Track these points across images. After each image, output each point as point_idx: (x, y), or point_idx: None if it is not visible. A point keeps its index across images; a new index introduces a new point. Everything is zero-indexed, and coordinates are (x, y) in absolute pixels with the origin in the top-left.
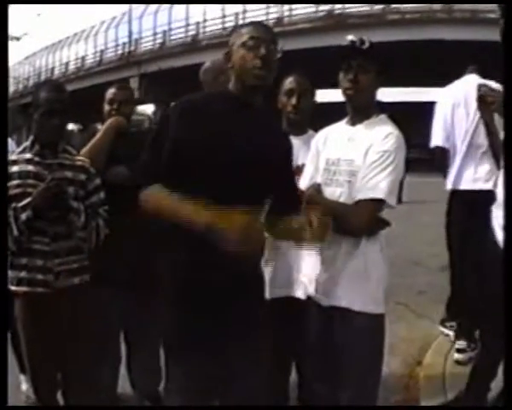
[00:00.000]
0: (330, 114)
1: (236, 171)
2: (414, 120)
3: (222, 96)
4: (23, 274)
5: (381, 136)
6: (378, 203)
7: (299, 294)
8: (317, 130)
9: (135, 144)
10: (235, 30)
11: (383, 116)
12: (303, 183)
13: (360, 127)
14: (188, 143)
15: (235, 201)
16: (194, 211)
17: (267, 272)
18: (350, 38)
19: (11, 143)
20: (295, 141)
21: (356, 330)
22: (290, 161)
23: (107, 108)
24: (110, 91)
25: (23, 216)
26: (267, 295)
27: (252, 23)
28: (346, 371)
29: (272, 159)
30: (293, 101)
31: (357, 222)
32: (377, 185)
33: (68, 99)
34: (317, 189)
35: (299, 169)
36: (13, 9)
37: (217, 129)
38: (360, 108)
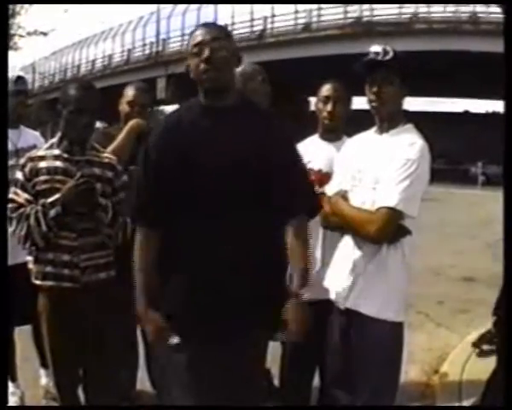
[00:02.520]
0: (359, 120)
1: (220, 179)
2: (440, 131)
3: (192, 107)
4: (49, 269)
5: (405, 145)
6: (397, 212)
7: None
8: (350, 136)
9: None
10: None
11: (409, 125)
12: (330, 189)
13: (386, 136)
14: (167, 166)
15: (225, 208)
16: (140, 310)
17: None
18: (374, 49)
19: (38, 136)
20: (330, 147)
21: (372, 336)
22: (287, 154)
23: (126, 109)
24: (130, 93)
25: (52, 212)
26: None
27: (195, 28)
28: (361, 376)
29: (259, 156)
30: (329, 107)
31: (375, 229)
32: (396, 194)
33: (97, 98)
34: (343, 195)
35: None
36: (41, 5)
37: (190, 142)
38: (386, 118)
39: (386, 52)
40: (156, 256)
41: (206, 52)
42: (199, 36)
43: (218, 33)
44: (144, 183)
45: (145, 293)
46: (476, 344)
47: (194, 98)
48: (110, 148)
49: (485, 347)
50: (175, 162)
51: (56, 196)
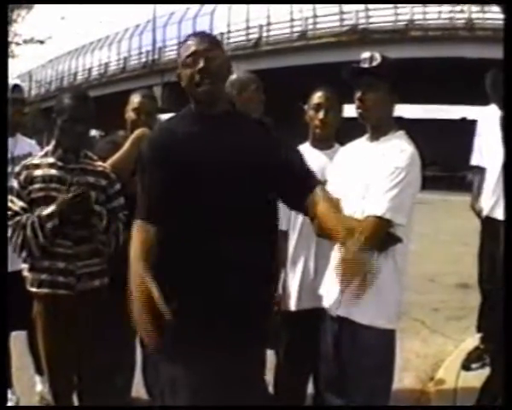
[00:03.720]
0: (353, 129)
1: (218, 183)
2: (437, 138)
3: (185, 115)
4: (44, 276)
5: (394, 152)
6: (384, 221)
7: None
8: (342, 144)
9: None
10: (178, 51)
11: (400, 133)
12: None
13: (376, 143)
14: (165, 172)
15: (225, 215)
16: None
17: (293, 285)
18: (363, 56)
19: (34, 144)
20: (322, 155)
21: (364, 343)
22: (279, 155)
23: (132, 116)
24: (136, 100)
25: (49, 224)
26: (293, 307)
27: (187, 38)
28: (354, 383)
29: (257, 160)
30: (321, 115)
31: (363, 238)
32: (384, 203)
33: (92, 107)
34: (336, 204)
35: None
36: (38, 12)
37: (187, 150)
38: (374, 125)
39: (372, 59)
40: (153, 252)
41: (201, 63)
42: (192, 46)
43: (211, 43)
44: (142, 186)
45: (142, 270)
46: (465, 365)
47: (187, 107)
48: (115, 157)
49: (474, 365)
50: (171, 170)
51: (52, 207)
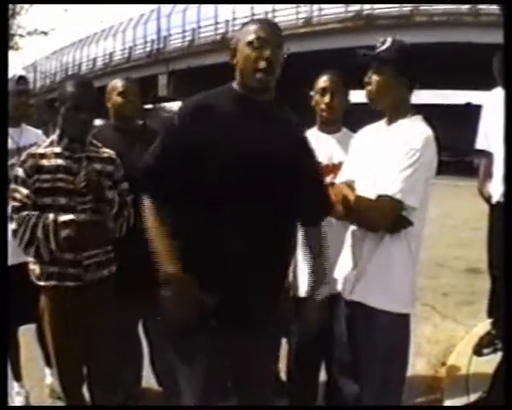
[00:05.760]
0: (361, 114)
1: (249, 169)
2: (443, 123)
3: (227, 94)
4: (53, 269)
5: (410, 134)
6: (396, 201)
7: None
8: (352, 129)
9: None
10: (243, 26)
11: (417, 117)
12: (339, 178)
13: (394, 126)
14: (199, 145)
15: (254, 200)
16: (164, 260)
17: (304, 271)
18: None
19: (40, 134)
20: (329, 139)
21: (378, 328)
22: (308, 154)
23: (119, 100)
24: (120, 84)
25: (64, 233)
26: (304, 294)
27: (260, 21)
28: (369, 368)
29: (286, 153)
30: (326, 99)
31: (374, 217)
32: (396, 184)
33: (95, 95)
34: (349, 184)
35: (335, 167)
36: (40, 5)
37: (225, 128)
38: (385, 109)
39: (382, 43)
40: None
41: (268, 52)
42: (264, 31)
43: (282, 37)
44: (160, 153)
45: (170, 256)
46: (476, 351)
47: (227, 85)
48: None
49: (486, 350)
50: (203, 143)
51: (70, 216)
